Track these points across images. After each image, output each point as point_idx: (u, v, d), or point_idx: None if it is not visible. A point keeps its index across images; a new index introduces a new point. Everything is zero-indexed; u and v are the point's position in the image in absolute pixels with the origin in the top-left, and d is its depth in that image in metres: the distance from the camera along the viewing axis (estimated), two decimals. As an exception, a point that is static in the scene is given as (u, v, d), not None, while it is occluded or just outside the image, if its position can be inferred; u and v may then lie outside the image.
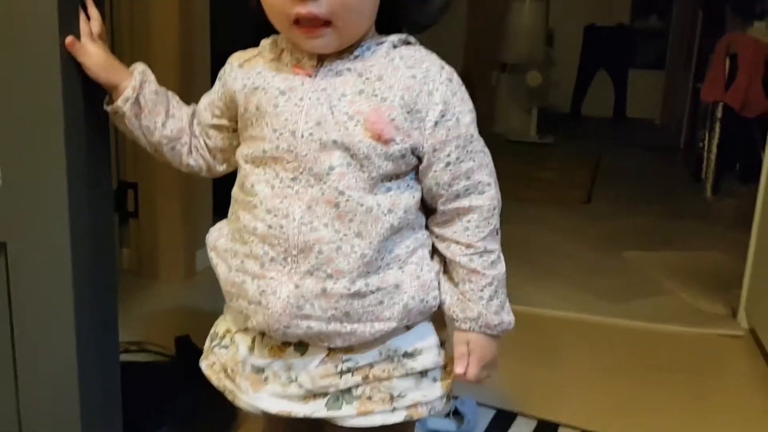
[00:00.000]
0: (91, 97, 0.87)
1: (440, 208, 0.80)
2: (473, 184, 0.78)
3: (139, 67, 0.87)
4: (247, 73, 0.81)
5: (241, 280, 0.78)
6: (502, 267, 0.82)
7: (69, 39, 0.82)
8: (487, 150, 0.81)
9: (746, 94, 3.17)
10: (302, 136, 0.74)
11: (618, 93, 6.22)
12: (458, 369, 0.81)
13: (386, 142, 0.74)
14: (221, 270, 0.82)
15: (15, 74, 0.83)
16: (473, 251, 0.79)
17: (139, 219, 2.26)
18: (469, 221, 0.79)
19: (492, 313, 0.80)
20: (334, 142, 0.74)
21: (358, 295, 0.75)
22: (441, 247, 0.81)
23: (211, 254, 0.85)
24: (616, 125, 6.07)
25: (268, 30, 0.80)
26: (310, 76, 0.77)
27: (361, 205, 0.74)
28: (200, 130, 0.89)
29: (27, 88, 0.83)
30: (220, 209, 2.43)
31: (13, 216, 0.88)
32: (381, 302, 0.77)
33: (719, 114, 3.40)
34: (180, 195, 2.18)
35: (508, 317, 0.82)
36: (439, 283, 0.81)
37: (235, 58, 0.85)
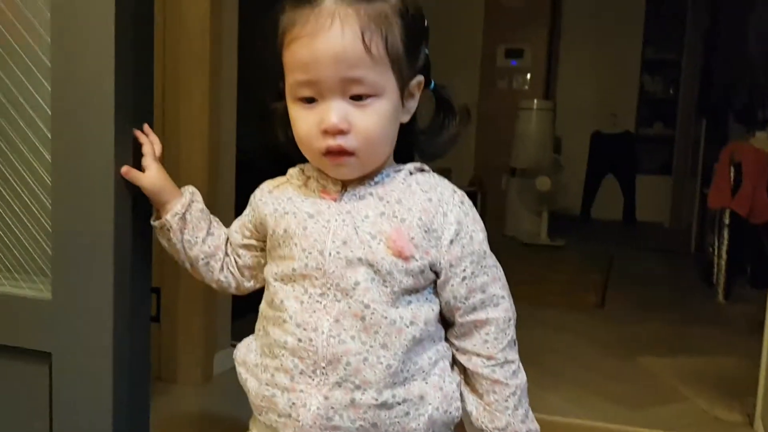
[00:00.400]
0: (138, 220, 0.96)
1: (458, 320, 0.85)
2: (488, 297, 0.84)
3: (190, 188, 0.97)
4: (277, 198, 0.89)
5: (271, 393, 0.82)
6: (523, 376, 0.86)
7: (125, 168, 0.91)
8: (499, 265, 0.87)
9: (752, 201, 3.25)
10: (330, 255, 0.81)
11: (627, 197, 6.32)
12: None
13: (407, 258, 0.80)
14: (251, 384, 0.86)
15: (72, 198, 0.92)
16: (494, 362, 0.84)
17: (161, 323, 2.30)
18: (487, 333, 0.84)
19: (519, 422, 0.84)
20: (359, 259, 0.80)
21: (385, 406, 0.79)
22: (462, 359, 0.86)
23: (240, 369, 0.89)
24: (627, 228, 6.14)
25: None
26: (335, 201, 0.84)
27: (385, 317, 0.80)
28: (232, 249, 0.96)
29: (81, 212, 0.92)
30: (238, 314, 2.48)
31: (59, 328, 0.94)
32: (407, 413, 0.81)
33: (727, 220, 3.47)
34: (201, 300, 2.24)
35: (533, 425, 0.86)
36: (461, 395, 0.86)
37: (266, 185, 0.93)
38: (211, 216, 0.98)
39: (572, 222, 5.97)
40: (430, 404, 0.82)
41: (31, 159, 0.97)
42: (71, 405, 0.95)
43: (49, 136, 0.94)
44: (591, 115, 6.39)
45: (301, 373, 0.81)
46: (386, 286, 0.80)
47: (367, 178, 0.85)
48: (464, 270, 0.83)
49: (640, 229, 6.08)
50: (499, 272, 0.87)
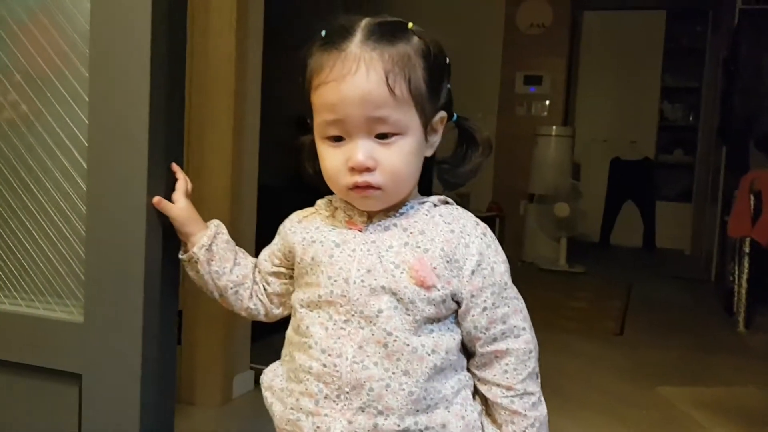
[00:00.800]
0: (168, 246, 0.99)
1: (479, 350, 0.87)
2: (509, 328, 0.86)
3: (215, 221, 1.00)
4: (305, 227, 0.92)
5: (296, 417, 0.85)
6: (543, 409, 0.88)
7: (156, 198, 0.95)
8: (520, 297, 0.89)
9: (772, 230, 3.23)
10: (354, 283, 0.84)
11: (646, 224, 6.30)
12: None
13: (428, 288, 0.83)
14: (276, 408, 0.89)
15: (105, 224, 0.96)
16: (513, 393, 0.86)
17: (181, 345, 2.33)
18: (507, 364, 0.86)
19: None
20: (383, 287, 0.83)
21: None
22: (483, 389, 0.88)
23: (266, 394, 0.92)
24: (646, 255, 6.11)
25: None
26: (361, 231, 0.87)
27: (407, 344, 0.82)
28: (261, 277, 0.99)
29: (113, 238, 0.95)
30: (257, 337, 2.49)
31: (89, 351, 0.97)
32: None
33: (747, 248, 3.45)
34: (221, 323, 2.27)
35: None
36: (482, 424, 0.87)
37: (295, 215, 0.96)
38: (237, 247, 1.02)
39: (591, 248, 5.95)
40: None
41: (66, 187, 1.01)
42: (100, 425, 0.98)
43: (85, 165, 0.98)
44: (610, 141, 6.40)
45: (325, 398, 0.83)
46: (408, 315, 0.83)
47: (392, 210, 0.88)
48: (485, 301, 0.85)
49: (660, 256, 6.04)
50: (521, 304, 0.88)
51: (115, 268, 0.95)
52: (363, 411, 0.82)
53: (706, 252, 5.23)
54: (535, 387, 0.87)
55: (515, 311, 0.87)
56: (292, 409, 0.86)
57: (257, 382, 2.32)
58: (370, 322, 0.82)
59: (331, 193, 0.92)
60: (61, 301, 1.01)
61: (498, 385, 0.86)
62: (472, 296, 0.85)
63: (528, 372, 0.87)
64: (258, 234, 2.35)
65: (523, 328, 0.87)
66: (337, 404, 0.82)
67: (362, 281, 0.83)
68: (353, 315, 0.83)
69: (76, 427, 0.98)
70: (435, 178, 0.95)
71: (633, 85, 6.42)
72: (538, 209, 5.07)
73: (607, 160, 6.30)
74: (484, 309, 0.85)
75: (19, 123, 1.03)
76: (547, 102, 5.50)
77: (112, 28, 0.95)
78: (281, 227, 0.97)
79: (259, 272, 1.00)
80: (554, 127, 5.21)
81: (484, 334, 0.86)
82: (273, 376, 0.92)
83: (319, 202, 0.95)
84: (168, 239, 0.98)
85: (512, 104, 5.53)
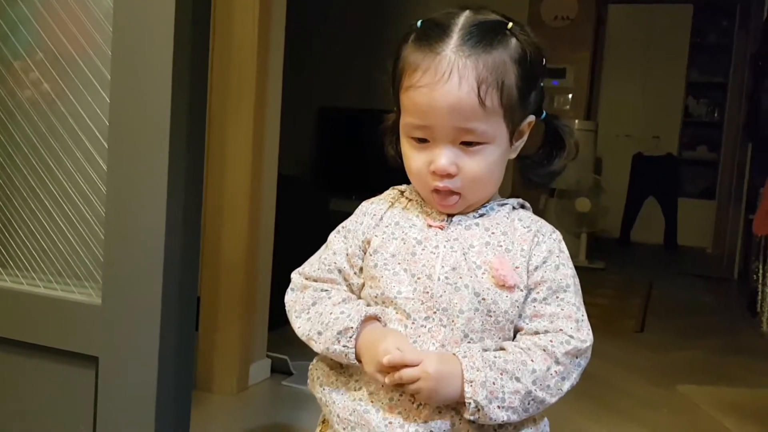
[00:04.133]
0: (188, 231, 0.98)
1: (520, 337, 0.82)
2: (554, 328, 0.81)
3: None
4: (385, 223, 0.88)
5: (365, 409, 0.81)
6: (552, 392, 0.79)
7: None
8: (582, 309, 0.83)
9: (799, 229, 3.17)
10: (438, 279, 0.81)
11: (668, 221, 6.22)
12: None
13: (510, 288, 0.81)
14: (336, 397, 0.84)
15: (125, 207, 0.94)
16: (545, 344, 0.79)
17: (199, 333, 2.33)
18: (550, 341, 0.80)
19: (487, 392, 0.76)
20: (466, 286, 0.80)
21: (482, 429, 0.79)
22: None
23: (316, 384, 0.88)
24: (667, 253, 6.04)
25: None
26: (442, 229, 0.85)
27: (485, 349, 0.79)
28: (351, 285, 0.89)
29: (133, 221, 0.94)
30: (274, 325, 2.49)
31: (107, 333, 0.96)
32: None
33: (772, 247, 3.39)
34: (239, 311, 2.27)
35: (500, 415, 0.77)
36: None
37: (368, 209, 0.91)
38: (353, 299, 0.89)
39: (612, 245, 5.89)
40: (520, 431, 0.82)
41: (87, 168, 1.00)
42: (116, 409, 0.97)
43: (106, 146, 0.97)
44: (633, 136, 6.32)
45: (401, 395, 0.80)
46: (490, 316, 0.81)
47: (471, 210, 0.87)
48: (538, 293, 0.82)
49: (682, 253, 5.97)
50: (579, 314, 0.82)
51: (134, 250, 0.94)
52: (440, 412, 0.79)
53: (729, 250, 5.15)
54: (569, 371, 0.80)
55: (568, 317, 0.81)
56: (360, 400, 0.82)
57: (273, 371, 2.33)
58: (452, 321, 0.80)
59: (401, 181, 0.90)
60: (80, 283, 1.00)
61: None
62: (530, 290, 0.82)
63: (565, 369, 0.80)
64: (277, 224, 2.35)
65: (571, 337, 0.80)
66: (413, 402, 0.79)
67: (446, 278, 0.81)
68: (435, 312, 0.81)
69: (92, 409, 0.97)
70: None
71: (657, 80, 6.33)
72: (559, 204, 5.02)
73: (629, 156, 6.22)
74: (534, 299, 0.82)
75: (42, 103, 1.02)
76: (570, 96, 5.43)
77: (135, 7, 0.93)
78: (353, 223, 0.91)
79: (346, 281, 0.89)
80: (577, 121, 5.14)
81: (527, 324, 0.82)
82: (324, 366, 0.88)
83: (390, 193, 0.92)
84: (188, 223, 0.96)
85: (535, 97, 5.47)
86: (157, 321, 0.94)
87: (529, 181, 0.92)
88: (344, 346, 0.80)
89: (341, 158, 5.06)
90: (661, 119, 6.38)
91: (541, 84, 0.88)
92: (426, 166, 0.83)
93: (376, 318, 0.83)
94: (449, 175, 0.81)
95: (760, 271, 3.51)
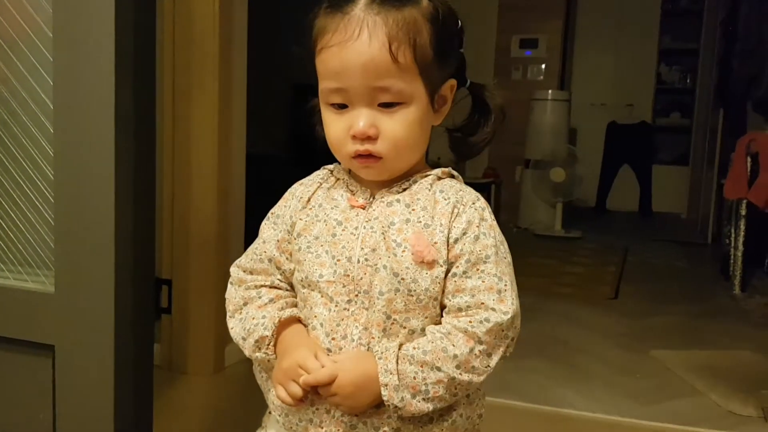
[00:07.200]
0: (140, 214, 0.96)
1: (443, 319, 0.81)
2: (475, 303, 0.79)
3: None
4: (311, 205, 0.87)
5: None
6: (479, 372, 0.78)
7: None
8: (507, 280, 0.80)
9: (769, 191, 3.21)
10: (358, 262, 0.80)
11: (643, 188, 6.27)
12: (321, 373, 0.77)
13: (429, 264, 0.79)
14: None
15: (74, 191, 0.92)
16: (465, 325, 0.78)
17: (172, 315, 2.32)
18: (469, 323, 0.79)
19: (406, 385, 0.76)
20: (385, 267, 0.79)
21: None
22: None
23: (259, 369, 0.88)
24: (643, 220, 6.10)
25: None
26: (363, 208, 0.83)
27: (404, 328, 0.79)
28: (285, 272, 0.88)
29: (83, 205, 0.92)
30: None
31: (62, 321, 0.95)
32: (431, 419, 0.80)
33: (743, 211, 3.43)
34: (212, 292, 2.25)
35: (420, 407, 0.77)
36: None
37: (297, 191, 0.89)
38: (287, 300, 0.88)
39: (588, 213, 5.94)
40: (454, 410, 0.81)
41: (34, 153, 0.97)
42: (74, 396, 0.96)
43: (52, 130, 0.94)
44: (607, 105, 6.33)
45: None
46: (412, 296, 0.79)
47: (395, 184, 0.85)
48: (458, 267, 0.80)
49: (657, 220, 6.03)
50: (502, 285, 0.80)
51: (84, 235, 0.92)
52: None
53: (703, 216, 5.22)
54: (490, 359, 0.78)
55: (488, 288, 0.79)
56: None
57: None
58: (373, 303, 0.79)
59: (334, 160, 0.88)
60: (32, 271, 0.98)
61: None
62: (451, 263, 0.80)
63: (485, 348, 0.78)
64: (252, 203, 2.33)
65: (492, 310, 0.78)
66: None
67: (366, 260, 0.80)
68: (357, 295, 0.80)
69: (50, 398, 0.96)
70: (448, 147, 0.91)
71: (630, 48, 6.34)
72: (534, 175, 5.04)
73: (603, 124, 6.25)
74: (454, 275, 0.80)
75: (-14, 87, 0.99)
76: (543, 66, 5.42)
77: (74, -15, 0.90)
78: (282, 208, 0.90)
79: (279, 268, 0.88)
80: (550, 92, 5.15)
81: (449, 301, 0.80)
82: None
83: (320, 173, 0.91)
84: (138, 203, 0.94)
85: (508, 68, 5.46)
86: (111, 305, 0.92)
87: (461, 153, 0.90)
88: (264, 353, 0.82)
89: (317, 136, 5.02)
90: (634, 87, 6.40)
91: (461, 51, 0.87)
92: (346, 132, 0.80)
93: (296, 319, 0.83)
94: (369, 138, 0.79)
95: (732, 235, 3.55)
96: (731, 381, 2.32)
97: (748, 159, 3.40)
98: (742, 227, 3.44)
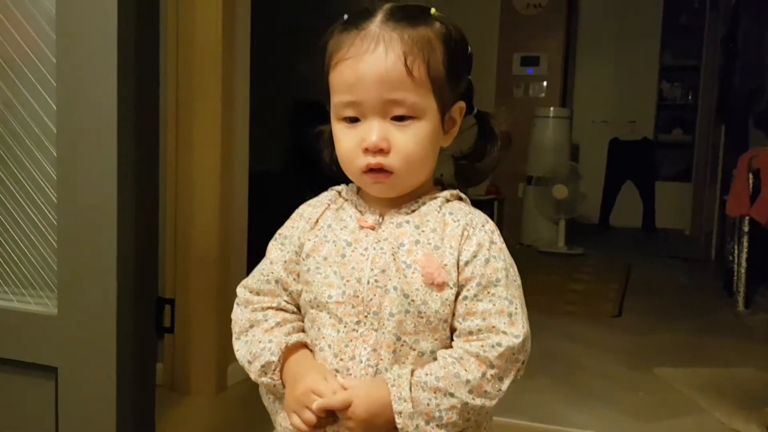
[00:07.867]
0: (142, 235, 0.97)
1: (454, 343, 0.82)
2: (486, 327, 0.79)
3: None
4: (320, 226, 0.87)
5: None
6: (491, 396, 0.78)
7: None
8: (518, 303, 0.81)
9: (771, 208, 3.20)
10: (368, 283, 0.80)
11: (646, 204, 6.27)
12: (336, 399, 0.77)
13: (439, 286, 0.80)
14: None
15: (77, 214, 0.93)
16: (480, 361, 0.78)
17: (174, 334, 2.32)
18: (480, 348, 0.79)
19: (419, 412, 0.76)
20: (395, 288, 0.79)
21: None
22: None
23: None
24: (646, 236, 6.09)
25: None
26: (373, 229, 0.84)
27: (413, 350, 0.79)
28: (292, 293, 0.88)
29: (86, 228, 0.93)
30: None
31: (65, 343, 0.95)
32: None
33: (746, 228, 3.42)
34: (215, 312, 2.26)
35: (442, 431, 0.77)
36: None
37: (306, 215, 0.89)
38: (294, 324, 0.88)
39: (591, 230, 5.93)
40: None
41: (37, 176, 0.99)
42: (77, 417, 0.96)
43: (55, 154, 0.95)
44: (609, 122, 6.35)
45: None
46: (422, 317, 0.80)
47: (404, 205, 0.85)
48: (468, 290, 0.80)
49: (660, 236, 6.02)
50: (513, 308, 0.80)
51: (87, 257, 0.93)
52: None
53: (706, 232, 5.20)
54: (501, 382, 0.78)
55: (499, 312, 0.80)
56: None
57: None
58: (383, 324, 0.79)
59: (342, 181, 0.88)
60: (36, 293, 0.99)
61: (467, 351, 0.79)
62: (461, 286, 0.81)
63: (497, 372, 0.78)
64: (253, 221, 2.34)
65: (504, 333, 0.79)
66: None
67: (376, 281, 0.80)
68: (366, 316, 0.80)
69: (53, 420, 0.96)
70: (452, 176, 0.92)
71: (631, 65, 6.36)
72: (536, 191, 5.04)
73: (605, 141, 6.26)
74: (465, 297, 0.81)
75: (-9, 111, 1.00)
76: (545, 83, 5.45)
77: (78, 13, 0.92)
78: (289, 230, 0.90)
79: (286, 290, 0.88)
80: (552, 109, 5.17)
81: (460, 324, 0.80)
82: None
83: (328, 194, 0.91)
84: (141, 226, 0.95)
85: (509, 86, 5.48)
86: (113, 327, 0.93)
87: (467, 181, 0.91)
88: (270, 378, 0.82)
89: (317, 153, 5.04)
90: (635, 104, 6.41)
91: (469, 77, 0.88)
92: (357, 145, 0.81)
93: (303, 344, 0.83)
94: (381, 151, 0.80)
95: (735, 252, 3.55)
96: (735, 398, 2.30)
97: (750, 175, 3.40)
98: (746, 243, 3.44)
